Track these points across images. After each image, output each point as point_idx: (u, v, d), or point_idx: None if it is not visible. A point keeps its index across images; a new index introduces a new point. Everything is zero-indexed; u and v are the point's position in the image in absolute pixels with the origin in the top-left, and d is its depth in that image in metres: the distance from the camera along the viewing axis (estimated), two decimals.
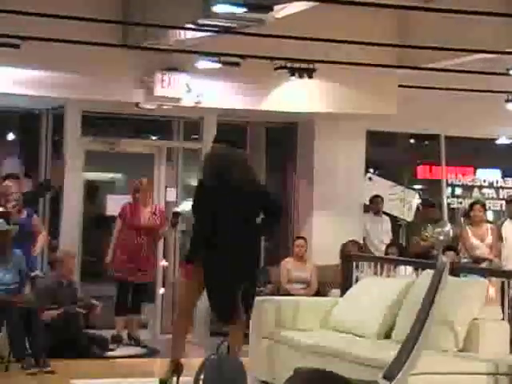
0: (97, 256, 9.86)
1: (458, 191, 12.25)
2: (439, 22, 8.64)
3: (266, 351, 6.72)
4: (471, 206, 10.38)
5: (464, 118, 11.18)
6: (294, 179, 11.06)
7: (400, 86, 10.10)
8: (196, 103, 9.47)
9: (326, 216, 10.58)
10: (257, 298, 7.12)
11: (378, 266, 7.21)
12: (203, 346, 8.80)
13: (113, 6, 8.86)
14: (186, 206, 10.59)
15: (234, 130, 10.79)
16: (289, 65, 8.97)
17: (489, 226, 10.18)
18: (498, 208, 12.17)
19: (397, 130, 11.66)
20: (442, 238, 10.46)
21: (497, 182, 12.42)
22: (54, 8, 7.96)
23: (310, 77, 9.06)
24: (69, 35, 8.21)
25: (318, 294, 9.65)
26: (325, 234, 10.43)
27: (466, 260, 9.71)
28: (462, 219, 11.62)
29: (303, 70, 9.01)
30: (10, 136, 11.01)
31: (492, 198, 12.29)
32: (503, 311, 6.07)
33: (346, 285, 7.21)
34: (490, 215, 11.80)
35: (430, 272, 6.00)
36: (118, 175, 11.69)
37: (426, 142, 12.70)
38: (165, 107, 9.63)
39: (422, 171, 12.44)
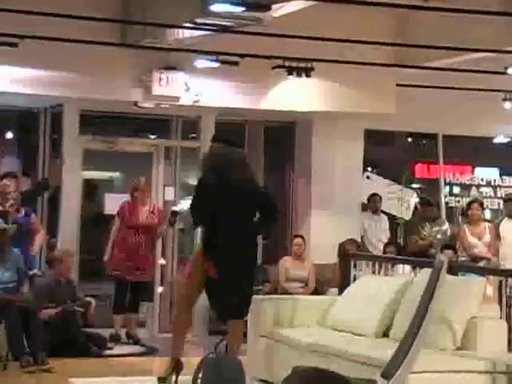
0: (95, 255, 9.86)
1: (456, 190, 12.27)
2: (437, 21, 8.65)
3: (264, 350, 6.73)
4: (469, 204, 10.39)
5: (462, 116, 11.19)
6: (292, 178, 11.07)
7: (398, 85, 10.11)
8: (194, 102, 9.47)
9: (324, 215, 10.59)
10: (255, 297, 7.13)
11: (376, 265, 7.22)
12: (202, 345, 8.81)
13: (111, 4, 8.86)
14: (185, 204, 10.60)
15: (233, 129, 10.79)
16: (287, 64, 8.97)
17: (486, 224, 10.19)
18: (496, 207, 12.18)
19: (395, 129, 11.67)
20: (439, 236, 10.47)
21: (494, 181, 12.43)
22: (52, 7, 7.96)
23: (308, 76, 9.06)
24: (67, 34, 8.21)
25: (316, 292, 9.65)
26: (323, 232, 10.44)
27: (463, 258, 9.72)
28: (460, 218, 11.64)
29: (301, 69, 9.01)
30: (9, 135, 11.01)
31: (490, 197, 12.31)
32: (501, 310, 6.09)
33: (344, 283, 7.23)
34: (487, 214, 11.81)
35: (427, 271, 6.01)
36: (117, 174, 11.69)
37: (424, 141, 12.71)
38: (163, 106, 9.63)
39: (420, 170, 12.46)
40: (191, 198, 6.49)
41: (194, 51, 8.90)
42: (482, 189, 12.39)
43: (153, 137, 10.99)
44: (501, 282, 6.42)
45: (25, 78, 8.82)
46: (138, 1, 8.70)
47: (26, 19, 7.85)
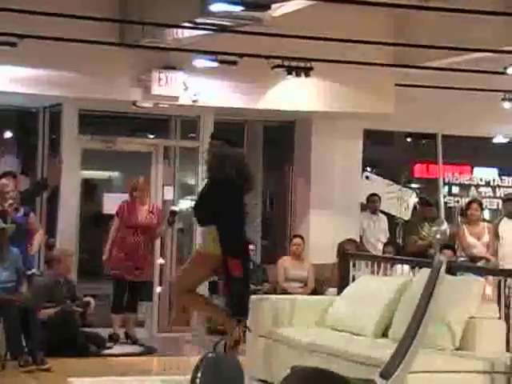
0: (94, 254, 9.86)
1: (455, 190, 12.27)
2: (436, 21, 8.65)
3: (263, 350, 6.72)
4: (468, 204, 10.39)
5: (461, 116, 11.19)
6: (291, 178, 11.07)
7: (397, 85, 10.11)
8: (193, 102, 9.47)
9: (324, 214, 10.59)
10: (254, 297, 7.13)
11: (375, 265, 7.21)
12: (201, 345, 8.82)
13: (110, 4, 8.86)
14: (183, 204, 10.60)
15: (232, 129, 10.79)
16: (286, 63, 8.97)
17: (485, 224, 10.19)
18: (495, 207, 12.18)
19: (394, 129, 11.67)
20: (438, 236, 10.47)
21: (493, 181, 12.44)
22: (51, 6, 7.95)
23: (308, 75, 9.06)
24: (66, 34, 8.20)
25: (315, 292, 9.65)
26: (322, 232, 10.44)
27: (462, 259, 9.72)
28: (459, 218, 11.64)
29: (300, 68, 9.00)
30: (7, 134, 11.01)
31: (489, 197, 12.31)
32: (500, 310, 6.08)
33: (343, 283, 7.22)
34: (486, 214, 11.82)
35: (426, 271, 6.01)
36: (115, 174, 11.69)
37: (423, 141, 12.71)
38: (162, 106, 9.63)
39: (419, 170, 12.46)
40: (229, 200, 6.40)
41: (193, 51, 8.90)
42: (481, 189, 12.39)
43: (152, 136, 10.99)
44: (500, 282, 6.42)
45: (24, 78, 8.81)
46: (137, 0, 8.69)
47: (25, 19, 7.85)
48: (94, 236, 10.17)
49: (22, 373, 7.52)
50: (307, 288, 9.93)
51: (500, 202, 11.68)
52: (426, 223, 10.61)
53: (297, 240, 10.21)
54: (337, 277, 7.73)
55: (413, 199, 11.81)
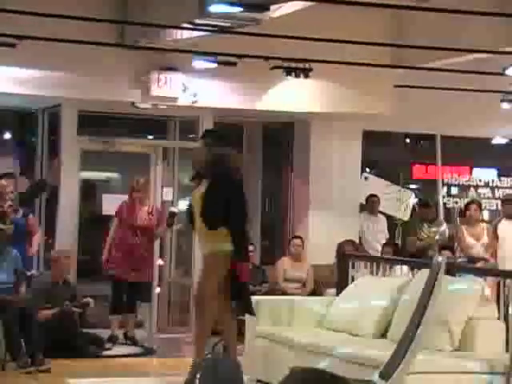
0: (93, 255, 9.85)
1: (454, 191, 12.27)
2: (435, 22, 8.65)
3: (261, 350, 6.72)
4: (467, 205, 10.39)
5: (460, 117, 11.19)
6: (290, 179, 11.06)
7: (396, 86, 10.11)
8: (192, 103, 9.47)
9: (322, 215, 10.59)
10: (253, 298, 7.14)
11: (374, 266, 7.21)
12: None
13: (110, 5, 8.85)
14: (183, 205, 10.60)
15: (231, 130, 10.80)
16: (285, 64, 8.97)
17: (484, 225, 10.18)
18: (494, 208, 12.18)
19: (393, 130, 11.68)
20: (437, 237, 10.47)
21: (492, 182, 12.44)
22: (50, 7, 7.96)
23: (306, 76, 9.06)
24: (65, 34, 8.21)
25: (314, 293, 9.66)
26: (321, 233, 10.44)
27: (461, 259, 9.72)
28: (458, 219, 11.64)
29: (299, 69, 9.00)
30: (6, 135, 11.01)
31: (488, 198, 12.31)
32: (498, 310, 6.08)
33: (341, 284, 7.22)
34: (485, 215, 11.81)
35: (425, 271, 6.01)
36: (115, 175, 11.69)
37: (422, 142, 12.71)
38: (161, 107, 9.63)
39: (418, 171, 12.46)
40: (238, 201, 6.42)
41: (192, 52, 8.90)
42: (480, 190, 12.39)
43: (151, 137, 10.99)
44: (499, 282, 6.42)
45: (23, 79, 8.81)
46: (137, 1, 8.69)
47: (24, 20, 7.85)
48: (93, 237, 10.16)
49: (21, 374, 7.52)
50: (306, 289, 9.93)
51: (499, 202, 11.68)
52: (425, 224, 10.61)
53: (296, 241, 10.21)
54: (336, 278, 7.73)
55: (412, 200, 11.81)
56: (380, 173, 11.91)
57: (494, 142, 12.41)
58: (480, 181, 12.40)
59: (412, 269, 7.21)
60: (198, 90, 9.43)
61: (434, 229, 10.58)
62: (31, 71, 8.81)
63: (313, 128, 10.71)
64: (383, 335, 6.36)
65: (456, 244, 10.09)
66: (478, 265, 9.42)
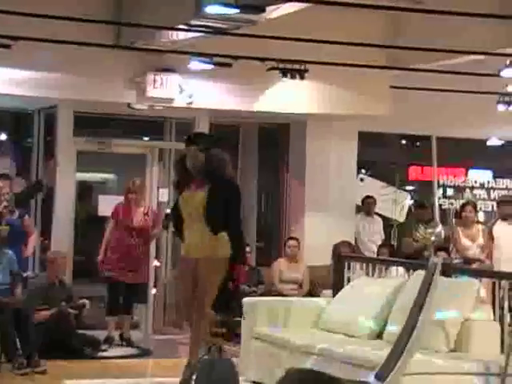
0: (89, 256, 9.85)
1: (450, 192, 12.29)
2: (431, 23, 8.66)
3: (257, 352, 6.72)
4: (462, 206, 10.40)
5: (455, 119, 11.21)
6: (286, 180, 11.07)
7: (392, 87, 10.12)
8: (188, 104, 9.47)
9: (319, 216, 10.60)
10: (250, 299, 7.15)
11: (370, 267, 7.22)
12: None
13: (106, 6, 8.85)
14: None
15: (227, 131, 10.80)
16: (281, 66, 8.98)
17: (480, 227, 10.19)
18: (490, 209, 12.21)
19: (389, 131, 11.69)
20: (433, 238, 10.48)
21: (488, 183, 12.46)
22: (46, 8, 7.95)
23: (302, 78, 9.07)
24: (61, 35, 8.20)
25: (310, 294, 9.66)
26: (317, 234, 10.44)
27: (457, 261, 9.74)
28: (454, 220, 11.66)
29: (295, 70, 9.01)
30: (2, 136, 11.00)
31: (483, 199, 12.33)
32: (494, 312, 6.09)
33: (337, 285, 7.23)
34: (481, 216, 11.83)
35: (421, 272, 6.02)
36: (111, 176, 11.68)
37: (418, 143, 12.73)
38: (157, 108, 9.63)
39: (414, 172, 12.48)
40: (237, 204, 6.47)
41: (188, 53, 8.91)
42: (476, 191, 12.42)
43: (147, 138, 10.99)
44: (494, 284, 6.43)
45: (19, 80, 8.80)
46: (132, 2, 8.69)
47: (19, 21, 7.84)
48: (89, 238, 10.15)
49: (16, 375, 7.51)
50: (302, 290, 9.94)
51: (494, 204, 11.70)
52: (420, 225, 10.62)
53: (292, 242, 10.22)
54: (332, 279, 7.74)
55: (407, 201, 11.83)
56: (376, 174, 11.92)
57: (489, 143, 12.43)
58: (475, 182, 12.42)
59: (408, 270, 7.22)
60: (194, 91, 9.43)
61: (429, 230, 10.59)
62: (27, 72, 8.80)
63: (309, 129, 10.72)
64: (379, 336, 6.37)
65: (452, 245, 10.11)
66: (474, 266, 9.44)
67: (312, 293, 9.73)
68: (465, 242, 9.96)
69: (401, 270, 7.81)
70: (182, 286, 6.61)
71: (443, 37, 8.68)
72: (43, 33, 8.09)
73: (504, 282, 6.09)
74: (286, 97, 9.70)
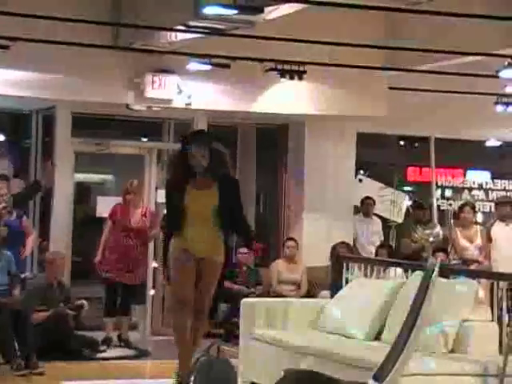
0: (87, 257, 9.84)
1: (448, 193, 12.30)
2: (429, 24, 8.66)
3: (256, 352, 6.72)
4: (461, 207, 10.41)
5: (454, 120, 11.21)
6: (284, 181, 11.07)
7: (390, 88, 10.12)
8: (187, 105, 9.47)
9: (317, 217, 10.60)
10: (248, 299, 7.14)
11: (368, 268, 7.22)
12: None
13: (104, 7, 8.85)
14: None
15: (225, 132, 10.80)
16: (279, 67, 8.99)
17: (478, 227, 10.20)
18: (488, 210, 12.21)
19: (387, 132, 11.69)
20: (431, 239, 10.49)
21: (486, 184, 12.47)
22: (44, 9, 7.95)
23: (301, 79, 9.08)
24: (59, 36, 8.20)
25: (308, 295, 9.66)
26: (315, 235, 10.45)
27: (455, 261, 9.74)
28: (452, 221, 11.67)
29: (293, 71, 9.02)
30: (0, 137, 10.99)
31: (481, 200, 12.34)
32: (492, 312, 6.09)
33: (336, 286, 7.22)
34: (479, 217, 11.84)
35: (419, 273, 6.02)
36: (109, 177, 11.69)
37: (416, 144, 12.74)
38: (155, 109, 9.63)
39: (412, 173, 12.49)
40: (240, 204, 6.46)
41: (186, 54, 8.91)
42: (474, 192, 12.42)
43: (145, 139, 10.99)
44: (492, 284, 6.43)
45: (17, 81, 8.80)
46: (131, 3, 8.69)
47: (18, 21, 7.84)
48: (88, 239, 10.15)
49: (15, 377, 7.50)
50: (300, 291, 9.94)
51: (493, 205, 11.71)
52: (419, 226, 10.63)
53: (290, 243, 10.22)
54: (330, 279, 7.74)
55: (406, 202, 11.83)
56: (374, 175, 11.93)
57: (487, 144, 12.44)
58: (474, 183, 12.43)
59: (406, 271, 7.21)
60: (193, 92, 9.43)
61: (427, 231, 10.60)
62: (25, 73, 8.80)
63: (307, 130, 10.72)
64: (377, 337, 6.37)
65: (450, 246, 10.11)
66: (472, 267, 9.44)
67: (310, 293, 9.73)
68: (463, 242, 9.97)
69: (399, 270, 7.79)
70: (186, 279, 6.25)
71: (441, 38, 8.69)
72: (41, 34, 8.09)
73: (502, 283, 6.09)
74: (285, 98, 9.71)
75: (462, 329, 5.90)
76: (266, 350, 6.62)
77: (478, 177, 12.52)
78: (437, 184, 12.15)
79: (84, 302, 8.77)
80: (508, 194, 12.24)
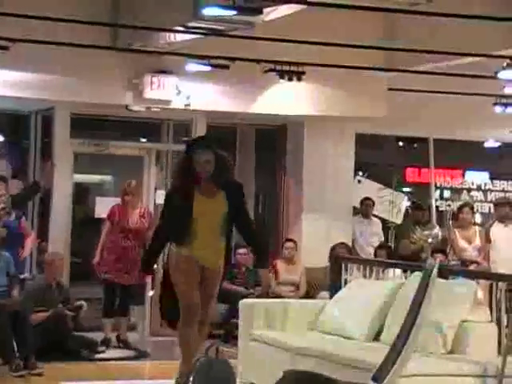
0: (86, 258, 9.84)
1: (447, 194, 12.31)
2: (428, 25, 8.67)
3: (255, 353, 6.72)
4: (460, 208, 10.41)
5: (453, 120, 11.22)
6: (283, 182, 11.08)
7: (389, 88, 10.13)
8: (185, 106, 9.47)
9: (316, 218, 10.60)
10: (246, 300, 7.14)
11: (367, 269, 7.22)
12: None
13: (103, 8, 8.85)
14: None
15: (224, 132, 10.80)
16: (278, 67, 8.99)
17: (477, 228, 10.21)
18: (486, 211, 12.22)
19: (386, 133, 11.70)
20: (430, 240, 10.49)
21: (485, 185, 12.48)
22: (43, 10, 7.95)
23: (299, 79, 9.08)
24: (58, 37, 8.20)
25: (307, 296, 9.66)
26: (314, 236, 10.45)
27: (454, 262, 9.75)
28: (451, 222, 11.67)
29: (292, 72, 9.02)
30: None
31: (480, 201, 12.35)
32: (491, 313, 6.09)
33: (335, 287, 7.23)
34: (478, 218, 11.85)
35: (418, 274, 6.02)
36: (108, 177, 11.68)
37: (415, 145, 12.74)
38: (154, 110, 9.63)
39: (411, 174, 12.49)
40: (246, 209, 6.48)
41: (186, 55, 8.91)
42: (473, 193, 12.43)
43: (144, 140, 10.99)
44: (491, 285, 6.43)
45: (16, 81, 8.80)
46: (130, 4, 8.70)
47: (17, 22, 7.85)
48: (86, 240, 10.15)
49: (13, 377, 7.50)
50: (299, 292, 9.94)
51: (491, 205, 11.72)
52: (417, 227, 10.63)
53: (289, 244, 10.22)
54: (329, 280, 7.74)
55: (405, 203, 11.84)
56: (373, 176, 11.93)
57: (486, 145, 12.45)
58: (472, 184, 12.44)
59: (405, 272, 7.22)
60: (192, 93, 9.43)
61: (426, 232, 10.60)
62: (24, 74, 8.80)
63: (306, 131, 10.73)
64: (376, 338, 6.37)
65: (449, 247, 10.12)
66: (471, 268, 9.45)
67: (309, 294, 9.73)
68: (462, 243, 9.97)
69: (398, 271, 7.80)
70: (191, 281, 6.21)
71: (440, 39, 8.69)
72: (40, 35, 8.10)
73: (501, 284, 6.09)
74: (283, 98, 9.71)
75: (461, 329, 5.91)
76: (265, 351, 6.62)
77: (477, 178, 12.53)
78: (436, 185, 12.16)
79: (83, 302, 8.77)
80: (507, 194, 12.25)
